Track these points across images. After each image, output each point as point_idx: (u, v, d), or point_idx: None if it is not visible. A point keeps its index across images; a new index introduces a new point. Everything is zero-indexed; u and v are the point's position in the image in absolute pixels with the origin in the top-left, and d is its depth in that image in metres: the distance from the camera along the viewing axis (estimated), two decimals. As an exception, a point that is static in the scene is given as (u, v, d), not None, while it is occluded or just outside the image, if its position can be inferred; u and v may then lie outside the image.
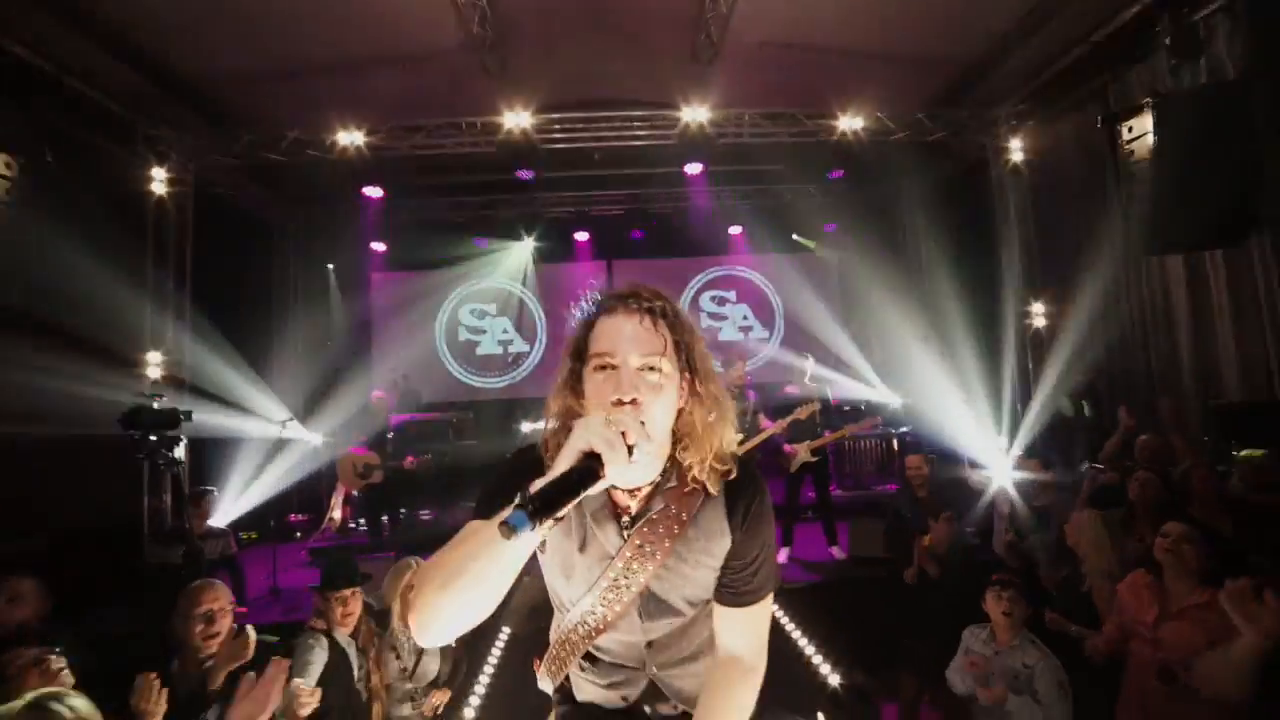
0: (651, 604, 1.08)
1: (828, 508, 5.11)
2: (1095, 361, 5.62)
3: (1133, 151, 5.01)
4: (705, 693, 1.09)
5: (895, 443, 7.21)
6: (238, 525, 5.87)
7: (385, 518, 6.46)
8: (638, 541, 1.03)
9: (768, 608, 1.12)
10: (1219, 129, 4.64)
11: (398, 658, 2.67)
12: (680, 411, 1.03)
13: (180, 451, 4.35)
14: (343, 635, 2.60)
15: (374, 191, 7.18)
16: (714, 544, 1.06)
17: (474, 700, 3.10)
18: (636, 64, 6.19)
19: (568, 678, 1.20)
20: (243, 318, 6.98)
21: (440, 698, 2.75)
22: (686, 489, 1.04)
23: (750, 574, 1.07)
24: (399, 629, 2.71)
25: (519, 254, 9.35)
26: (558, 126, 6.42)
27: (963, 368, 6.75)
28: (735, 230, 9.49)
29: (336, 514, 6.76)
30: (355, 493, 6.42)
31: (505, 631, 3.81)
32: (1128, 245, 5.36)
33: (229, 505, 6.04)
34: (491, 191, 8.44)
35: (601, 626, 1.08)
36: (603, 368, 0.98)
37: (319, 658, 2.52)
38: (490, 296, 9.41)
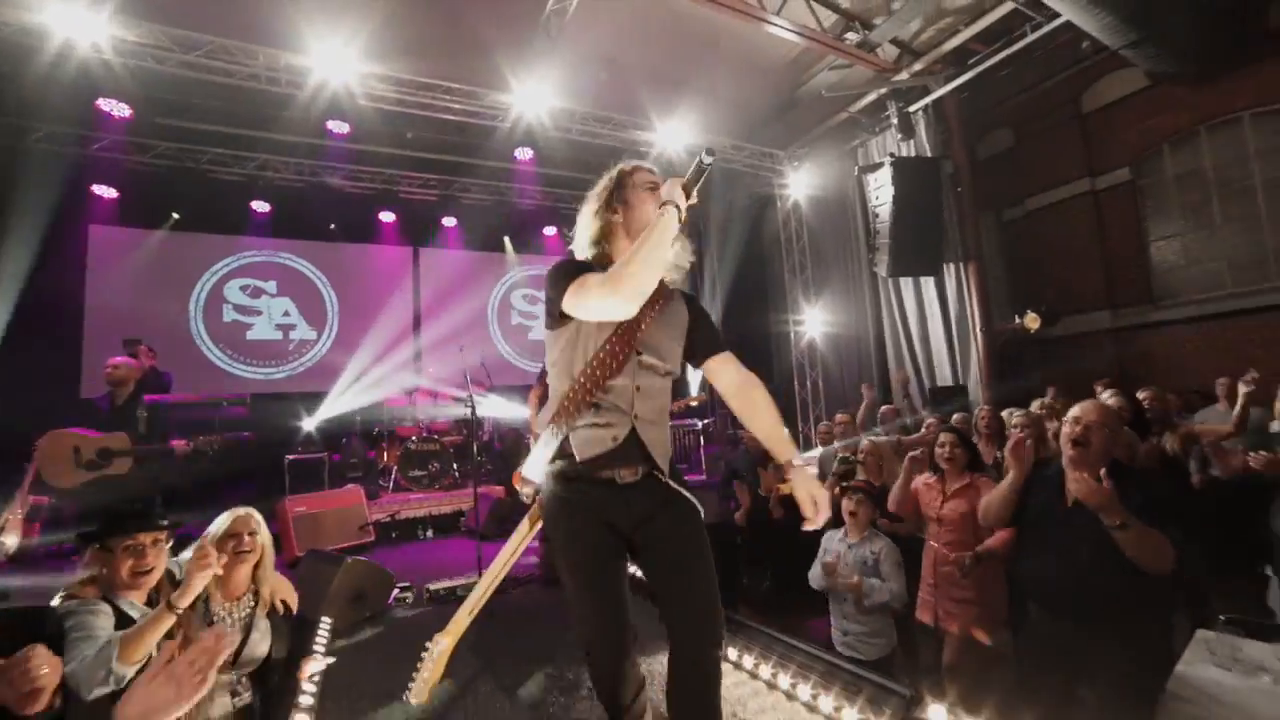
0: (641, 358, 1.54)
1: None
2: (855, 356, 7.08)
3: (876, 198, 6.59)
4: (749, 409, 1.70)
5: (701, 438, 7.96)
6: None
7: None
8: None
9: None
10: (922, 190, 6.45)
11: None
12: None
13: None
14: (132, 603, 1.80)
15: (118, 108, 5.19)
16: (678, 318, 1.67)
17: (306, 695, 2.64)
18: (473, 44, 5.97)
19: (567, 438, 1.55)
20: None
21: (316, 663, 2.22)
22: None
23: (710, 330, 1.72)
24: (219, 603, 1.98)
25: (309, 228, 8.11)
26: (376, 83, 5.75)
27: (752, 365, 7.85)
28: (550, 231, 9.67)
29: (10, 540, 4.09)
30: (60, 494, 4.39)
31: (326, 621, 3.32)
32: (873, 268, 6.97)
33: None
34: (281, 152, 7.15)
35: (608, 372, 1.51)
36: (652, 186, 1.62)
37: (106, 624, 1.69)
38: (269, 273, 7.94)
